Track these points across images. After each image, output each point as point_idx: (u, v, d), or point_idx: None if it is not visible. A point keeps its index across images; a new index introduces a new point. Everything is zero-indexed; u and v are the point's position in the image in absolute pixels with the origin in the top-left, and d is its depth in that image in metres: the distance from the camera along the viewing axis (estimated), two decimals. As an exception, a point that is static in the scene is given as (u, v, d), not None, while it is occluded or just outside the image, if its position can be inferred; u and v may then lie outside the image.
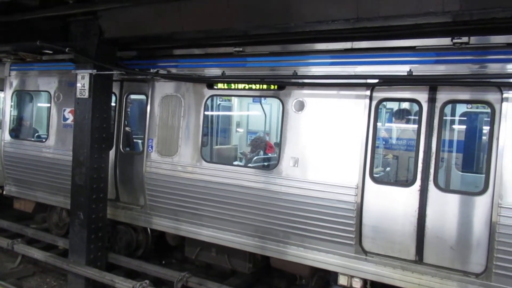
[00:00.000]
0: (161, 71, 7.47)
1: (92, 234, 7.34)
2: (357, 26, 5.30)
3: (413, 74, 5.50)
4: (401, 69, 5.61)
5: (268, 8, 5.57)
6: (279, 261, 6.67)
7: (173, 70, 7.48)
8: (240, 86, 6.85)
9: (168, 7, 6.19)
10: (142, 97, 8.07)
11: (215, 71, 7.05)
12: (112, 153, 7.87)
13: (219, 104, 9.90)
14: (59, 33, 7.33)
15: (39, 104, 10.23)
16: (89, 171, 7.19)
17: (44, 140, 9.05)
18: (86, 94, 7.17)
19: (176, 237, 7.81)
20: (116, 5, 6.62)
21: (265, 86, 6.61)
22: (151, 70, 7.52)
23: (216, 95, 7.71)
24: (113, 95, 7.80)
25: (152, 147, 7.54)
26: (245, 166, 7.87)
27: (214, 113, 9.44)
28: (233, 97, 9.82)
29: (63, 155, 8.41)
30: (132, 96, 8.47)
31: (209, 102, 7.46)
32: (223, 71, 6.88)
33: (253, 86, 6.72)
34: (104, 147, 7.43)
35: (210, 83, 7.05)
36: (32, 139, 9.62)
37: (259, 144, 9.19)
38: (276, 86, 6.51)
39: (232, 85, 6.92)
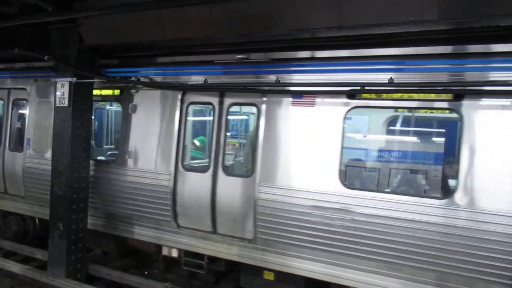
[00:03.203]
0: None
1: (72, 245, 7.20)
2: (339, 35, 5.39)
3: (208, 82, 6.78)
4: (200, 79, 6.93)
5: (251, 16, 5.61)
6: (133, 241, 7.87)
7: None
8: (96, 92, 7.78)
9: (150, 14, 6.17)
10: (25, 102, 9.05)
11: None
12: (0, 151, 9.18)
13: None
14: (39, 40, 7.23)
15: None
16: (69, 181, 7.07)
17: None
18: (65, 103, 7.06)
19: None
20: (96, 12, 6.57)
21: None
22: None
23: None
24: (2, 100, 9.25)
25: (29, 145, 8.71)
26: (97, 160, 8.74)
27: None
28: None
29: None
30: (17, 101, 9.40)
31: None
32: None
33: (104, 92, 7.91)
34: (84, 156, 7.32)
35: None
36: None
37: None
38: (119, 92, 7.73)
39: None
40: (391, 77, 5.40)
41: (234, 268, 7.09)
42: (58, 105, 7.14)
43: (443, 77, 5.33)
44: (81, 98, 7.18)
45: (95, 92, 7.69)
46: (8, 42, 7.08)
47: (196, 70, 7.00)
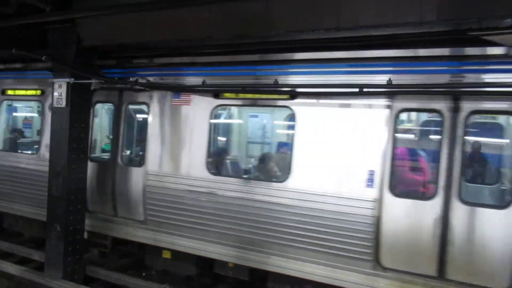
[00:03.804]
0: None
1: (70, 247, 7.18)
2: (337, 36, 5.37)
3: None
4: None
5: (250, 17, 5.59)
6: None
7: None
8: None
9: (148, 15, 6.14)
10: None
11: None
12: None
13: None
14: (36, 41, 7.19)
15: None
16: (67, 182, 7.04)
17: None
18: (63, 103, 7.04)
19: None
20: (94, 13, 6.54)
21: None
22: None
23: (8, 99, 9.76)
24: None
25: None
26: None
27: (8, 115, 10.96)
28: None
29: None
30: None
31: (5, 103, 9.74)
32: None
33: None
34: (82, 157, 7.29)
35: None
36: None
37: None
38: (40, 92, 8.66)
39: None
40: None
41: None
42: (56, 105, 7.10)
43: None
44: (79, 98, 7.16)
45: (22, 92, 9.01)
46: (5, 43, 7.03)
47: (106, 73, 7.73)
